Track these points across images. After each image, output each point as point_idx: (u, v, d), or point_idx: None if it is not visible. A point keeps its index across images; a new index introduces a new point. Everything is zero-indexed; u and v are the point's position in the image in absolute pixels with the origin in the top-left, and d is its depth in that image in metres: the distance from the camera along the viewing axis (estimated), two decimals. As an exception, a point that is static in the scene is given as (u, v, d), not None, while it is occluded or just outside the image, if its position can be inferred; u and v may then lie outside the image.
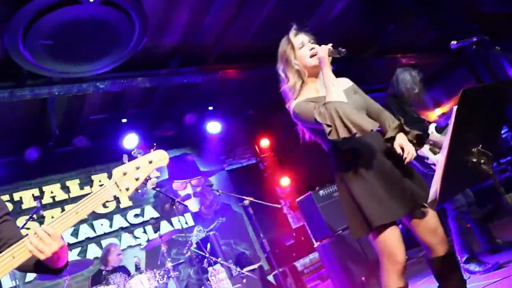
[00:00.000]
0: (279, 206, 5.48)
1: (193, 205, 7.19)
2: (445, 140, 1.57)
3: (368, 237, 2.02)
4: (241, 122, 7.93)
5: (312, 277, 7.81)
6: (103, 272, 5.00)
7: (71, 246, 5.97)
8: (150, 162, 1.53)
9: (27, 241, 1.38)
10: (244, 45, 5.72)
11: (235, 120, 7.63)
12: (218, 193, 4.39)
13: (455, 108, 1.52)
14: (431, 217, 2.01)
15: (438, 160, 1.63)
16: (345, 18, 5.94)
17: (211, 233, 5.72)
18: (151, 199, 6.89)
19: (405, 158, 1.94)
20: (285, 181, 8.62)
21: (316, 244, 5.03)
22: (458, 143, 1.58)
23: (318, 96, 2.10)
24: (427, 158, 3.49)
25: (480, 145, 1.65)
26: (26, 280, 5.49)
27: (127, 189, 1.49)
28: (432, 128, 3.50)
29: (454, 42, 2.66)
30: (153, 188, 4.94)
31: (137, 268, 4.49)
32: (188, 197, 7.23)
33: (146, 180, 1.53)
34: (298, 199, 5.24)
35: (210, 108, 6.87)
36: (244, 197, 4.23)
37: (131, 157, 1.55)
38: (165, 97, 6.25)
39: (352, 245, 4.76)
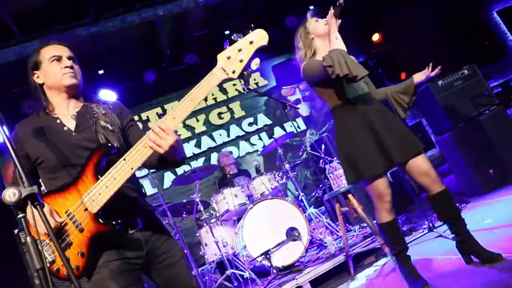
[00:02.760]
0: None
1: (303, 109, 7.25)
2: None
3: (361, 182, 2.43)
4: (345, 19, 7.43)
5: (432, 173, 7.54)
6: (228, 175, 5.48)
7: (196, 156, 6.59)
8: (251, 43, 1.56)
9: (147, 139, 1.54)
10: None
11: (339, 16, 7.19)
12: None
13: None
14: (422, 161, 2.34)
15: None
16: None
17: (324, 135, 5.76)
18: (262, 107, 7.11)
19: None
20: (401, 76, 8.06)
21: (435, 139, 4.77)
22: None
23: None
24: None
25: None
26: (164, 187, 6.29)
27: (233, 72, 1.54)
28: None
29: None
30: (263, 95, 5.04)
31: (258, 170, 4.80)
32: (297, 102, 7.28)
33: (249, 61, 1.56)
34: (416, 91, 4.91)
35: (311, 7, 6.52)
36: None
37: (232, 42, 1.58)
38: (264, 2, 6.07)
39: (476, 137, 4.38)
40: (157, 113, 6.60)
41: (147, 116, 6.59)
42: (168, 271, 1.73)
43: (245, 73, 1.56)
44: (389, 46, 7.89)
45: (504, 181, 4.11)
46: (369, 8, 7.27)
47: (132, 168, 1.56)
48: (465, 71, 4.62)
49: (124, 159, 1.56)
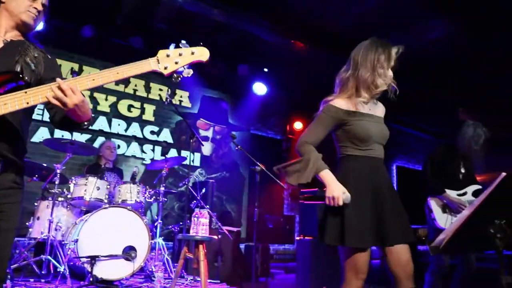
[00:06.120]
0: (285, 187, 5.50)
1: (206, 148, 7.28)
2: (477, 199, 1.54)
3: (339, 248, 2.12)
4: (287, 96, 7.87)
5: (279, 264, 7.91)
6: (102, 166, 5.17)
7: (84, 130, 6.16)
8: (192, 54, 1.69)
9: (49, 95, 1.52)
10: (334, 25, 5.57)
11: (282, 91, 7.58)
12: (237, 148, 4.39)
13: (504, 174, 1.47)
14: (405, 252, 2.08)
15: (461, 215, 1.59)
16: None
17: (210, 180, 5.80)
18: (172, 124, 7.00)
19: None
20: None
21: (298, 238, 5.07)
22: (487, 208, 1.54)
23: (355, 111, 2.14)
24: (432, 212, 3.45)
25: (504, 221, 1.61)
26: (32, 140, 5.70)
27: (166, 68, 1.66)
28: (470, 189, 3.44)
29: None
30: (180, 115, 4.97)
31: (133, 177, 4.61)
32: (205, 139, 7.31)
33: (184, 68, 1.69)
34: (303, 190, 5.25)
35: (265, 69, 6.82)
36: (259, 163, 4.23)
37: (177, 46, 1.72)
38: (229, 39, 6.21)
39: (332, 254, 4.76)
40: (72, 68, 6.15)
41: (60, 65, 6.04)
42: None
43: (175, 75, 1.69)
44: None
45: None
46: (309, 94, 7.78)
47: (28, 103, 1.51)
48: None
49: (25, 92, 1.52)
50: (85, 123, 1.69)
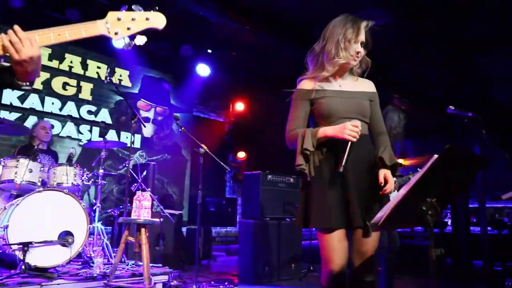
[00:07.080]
0: (228, 169, 5.52)
1: (148, 130, 7.09)
2: (412, 179, 1.64)
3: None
4: (230, 78, 7.81)
5: (221, 247, 8.00)
6: (35, 147, 4.86)
7: (13, 108, 5.73)
8: (147, 19, 1.48)
9: (5, 37, 1.33)
10: (279, 11, 5.55)
11: (225, 73, 7.52)
12: (181, 129, 4.31)
13: (436, 156, 1.58)
14: (369, 242, 1.99)
15: (398, 193, 1.69)
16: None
17: (152, 163, 5.67)
18: (111, 104, 6.72)
19: (385, 189, 1.98)
20: (241, 154, 8.70)
21: (239, 219, 5.15)
22: (421, 187, 1.65)
23: (324, 89, 2.10)
24: None
25: (435, 199, 1.73)
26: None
27: (116, 34, 1.45)
28: None
29: (451, 107, 2.75)
30: (120, 95, 4.77)
31: (69, 159, 4.39)
32: (147, 120, 7.11)
33: (136, 34, 1.49)
34: (246, 173, 5.30)
35: (209, 51, 6.71)
36: (203, 145, 4.19)
37: (130, 9, 1.50)
38: (175, 17, 6.01)
39: (273, 236, 4.93)
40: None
41: (-15, 37, 5.58)
42: None
43: (126, 42, 1.51)
44: (250, 120, 8.51)
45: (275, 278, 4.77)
46: (250, 78, 7.77)
47: None
48: (292, 179, 5.27)
49: None
50: (27, 83, 1.47)
